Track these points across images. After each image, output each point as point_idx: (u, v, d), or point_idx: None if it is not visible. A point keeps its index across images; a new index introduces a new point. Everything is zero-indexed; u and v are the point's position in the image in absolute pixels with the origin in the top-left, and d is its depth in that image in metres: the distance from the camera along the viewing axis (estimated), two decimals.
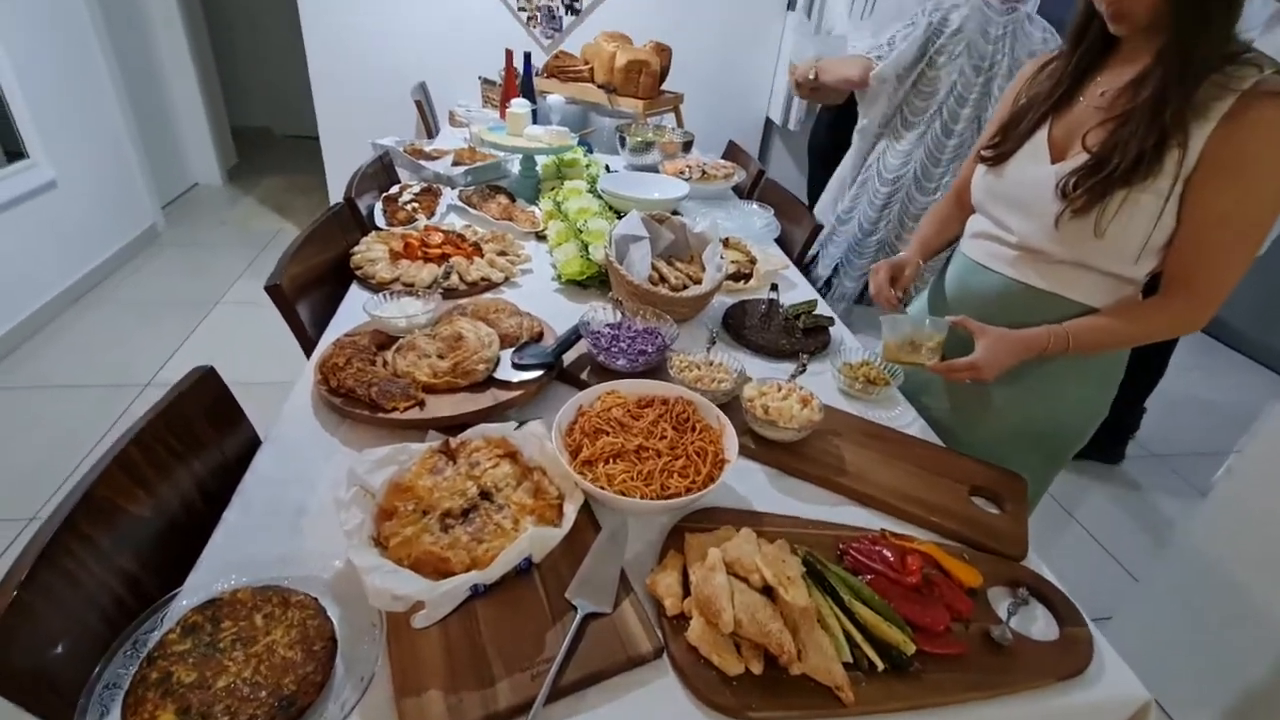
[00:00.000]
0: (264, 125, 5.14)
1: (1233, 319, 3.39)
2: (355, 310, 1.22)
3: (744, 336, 1.30)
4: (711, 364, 1.09)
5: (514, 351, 1.06)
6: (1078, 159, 0.95)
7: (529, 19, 3.00)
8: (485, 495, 0.81)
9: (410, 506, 0.77)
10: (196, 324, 2.69)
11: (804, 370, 1.06)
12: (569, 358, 1.13)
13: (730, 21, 3.11)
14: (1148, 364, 2.28)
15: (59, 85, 2.70)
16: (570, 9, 2.99)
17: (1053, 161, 1.00)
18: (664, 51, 2.54)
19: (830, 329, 1.35)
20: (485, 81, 2.88)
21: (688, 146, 2.32)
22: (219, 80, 4.24)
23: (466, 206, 1.75)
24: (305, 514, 0.80)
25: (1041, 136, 1.02)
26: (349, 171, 1.85)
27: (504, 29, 3.00)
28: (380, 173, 1.89)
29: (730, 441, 0.88)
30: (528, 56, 2.38)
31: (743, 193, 2.23)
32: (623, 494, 0.79)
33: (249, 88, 4.96)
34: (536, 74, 2.63)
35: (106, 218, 2.99)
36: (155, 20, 3.56)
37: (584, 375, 1.11)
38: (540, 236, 1.68)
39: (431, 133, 2.66)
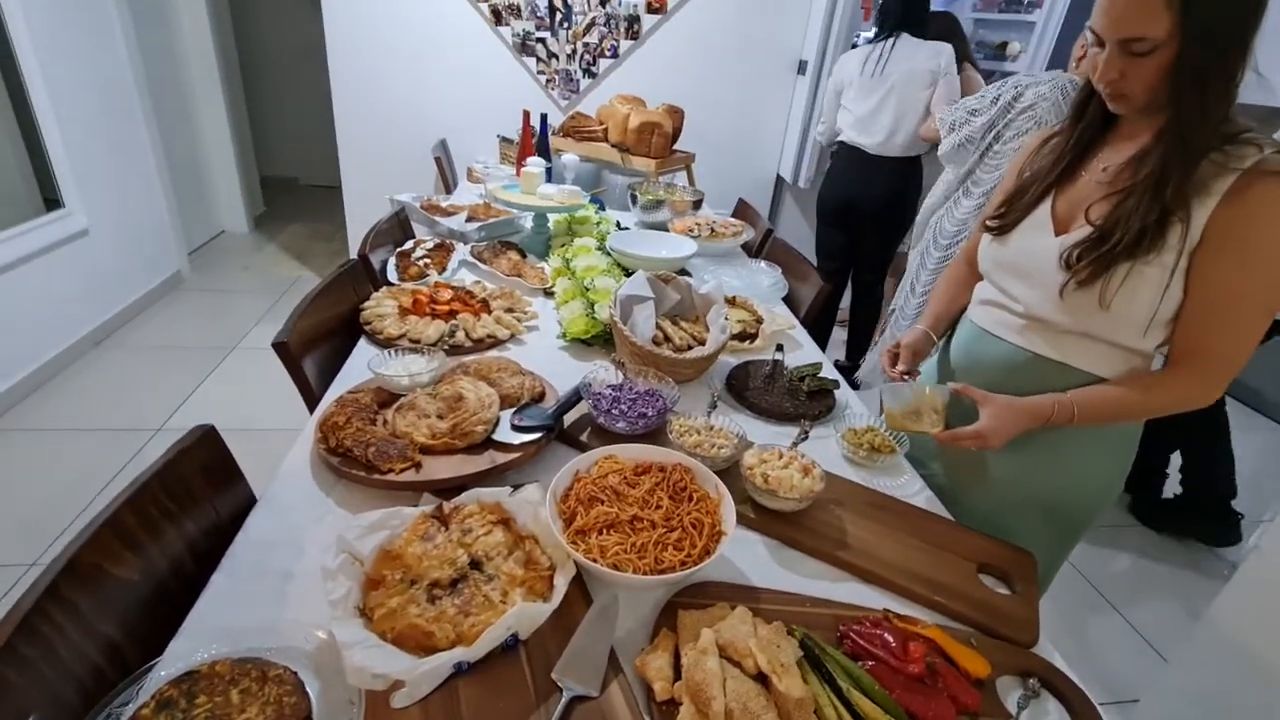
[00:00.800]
0: (291, 175, 5.33)
1: (1253, 379, 3.32)
2: (362, 365, 1.23)
3: (746, 399, 1.29)
4: (712, 429, 1.08)
5: (514, 413, 1.06)
6: (1081, 231, 0.96)
7: (548, 81, 3.12)
8: (475, 565, 0.79)
9: (398, 576, 0.76)
10: (212, 369, 2.73)
11: (806, 437, 1.04)
12: (570, 418, 1.13)
13: (741, 84, 3.21)
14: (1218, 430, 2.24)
15: (99, 137, 2.83)
16: (587, 72, 3.11)
17: (1056, 234, 1.00)
18: (676, 113, 2.62)
19: (835, 392, 1.34)
20: (503, 140, 2.98)
21: (698, 204, 2.36)
22: (250, 132, 4.43)
23: (478, 262, 1.79)
24: (292, 579, 0.79)
25: (1045, 209, 1.03)
26: (369, 221, 1.92)
27: (523, 90, 3.12)
28: (396, 228, 1.94)
29: (728, 513, 0.86)
30: (544, 118, 2.47)
31: (751, 250, 2.26)
32: (615, 567, 0.77)
33: (278, 139, 5.18)
34: (553, 133, 2.72)
35: (134, 264, 3.09)
36: (194, 75, 3.75)
37: (584, 437, 1.11)
38: (548, 293, 1.70)
39: (450, 188, 2.74)
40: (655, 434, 1.11)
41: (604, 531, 0.82)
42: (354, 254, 1.76)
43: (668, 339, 1.39)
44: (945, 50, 2.45)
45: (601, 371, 1.21)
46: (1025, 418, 0.97)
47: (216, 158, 3.99)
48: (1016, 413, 0.97)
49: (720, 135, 3.26)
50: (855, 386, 3.10)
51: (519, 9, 2.95)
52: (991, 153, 1.97)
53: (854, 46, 2.58)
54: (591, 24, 3.01)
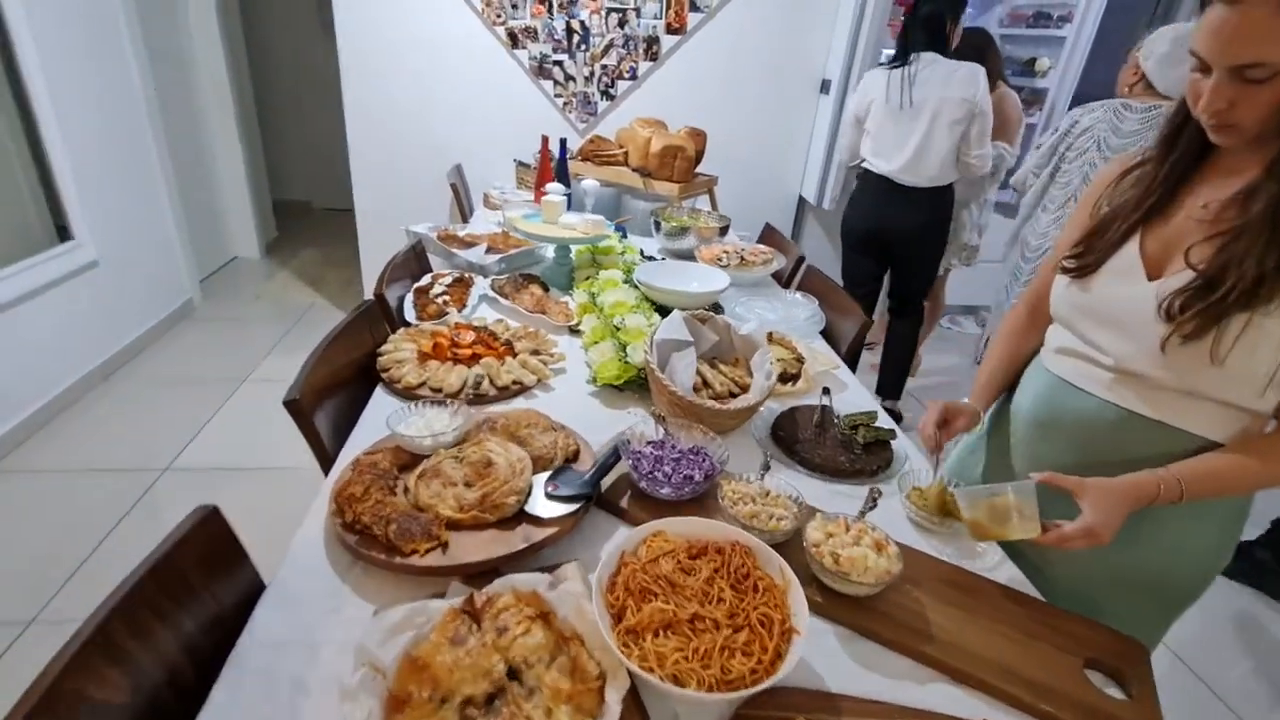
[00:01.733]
0: (304, 199, 5.31)
1: None
2: (379, 418, 1.13)
3: (797, 452, 1.18)
4: (767, 495, 0.98)
5: (548, 479, 0.96)
6: (1181, 277, 0.85)
7: (565, 104, 3.05)
8: (514, 674, 0.69)
9: (426, 693, 0.65)
10: (223, 401, 2.65)
11: (875, 505, 0.94)
12: (608, 477, 1.03)
13: (763, 104, 3.13)
14: None
15: (108, 167, 2.78)
16: (606, 95, 3.04)
17: (1150, 278, 0.89)
18: (699, 136, 2.54)
19: (893, 442, 1.23)
20: (520, 164, 2.91)
21: (724, 230, 2.27)
22: (264, 157, 4.41)
23: (499, 297, 1.70)
24: (305, 693, 0.69)
25: (1132, 249, 0.92)
26: (383, 247, 1.88)
27: (540, 113, 3.05)
28: (412, 260, 1.85)
29: (798, 605, 0.75)
30: (563, 142, 2.40)
31: (783, 279, 2.16)
32: (676, 680, 0.67)
33: (291, 162, 5.16)
34: (571, 157, 2.64)
35: (144, 294, 3.03)
36: (207, 100, 3.73)
37: (624, 502, 1.00)
38: (574, 330, 1.61)
39: (465, 215, 2.67)
40: (703, 497, 1.01)
41: (660, 633, 0.71)
42: (367, 282, 1.70)
43: (706, 384, 1.29)
44: (980, 77, 2.29)
45: (639, 423, 1.11)
46: (1129, 500, 0.86)
47: (229, 183, 3.95)
48: (1120, 498, 0.86)
49: (741, 157, 3.18)
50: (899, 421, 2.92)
51: (536, 32, 2.89)
52: (1060, 172, 2.18)
53: (892, 65, 2.42)
54: (610, 46, 2.95)
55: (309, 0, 4.52)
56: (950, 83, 2.30)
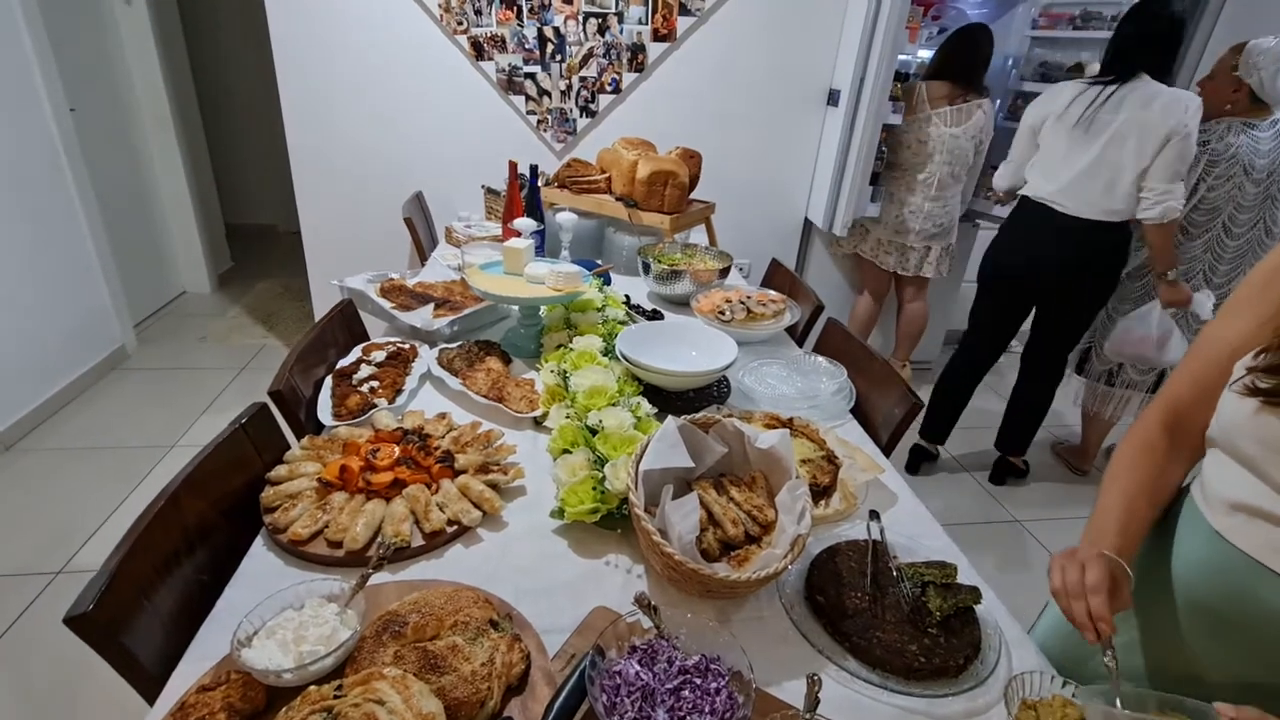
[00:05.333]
0: (268, 222, 4.93)
1: None
2: (254, 588, 0.78)
3: (847, 635, 0.83)
4: None
5: None
6: None
7: (539, 122, 2.70)
8: None
9: None
10: (142, 477, 2.27)
11: None
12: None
13: (764, 119, 2.79)
14: None
15: (6, 202, 2.39)
16: (585, 111, 2.69)
17: None
18: (693, 158, 2.19)
19: (978, 610, 0.88)
20: (489, 191, 2.56)
21: (725, 272, 1.92)
22: (214, 178, 4.02)
23: (446, 374, 1.34)
24: None
25: None
26: (338, 278, 1.61)
27: (511, 133, 2.70)
28: (342, 328, 1.49)
29: None
30: (534, 169, 2.04)
31: (795, 331, 1.81)
32: None
33: (250, 184, 4.78)
34: (546, 184, 2.30)
35: (58, 349, 2.60)
36: (145, 124, 3.35)
37: None
38: (539, 422, 1.25)
39: (424, 255, 2.31)
40: None
41: None
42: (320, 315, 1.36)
43: (714, 522, 0.93)
44: (1189, 106, 1.88)
45: (615, 580, 0.75)
46: None
47: (172, 210, 3.57)
48: None
49: (740, 178, 2.84)
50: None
51: (503, 41, 2.54)
52: (1205, 201, 2.11)
53: (1098, 81, 2.03)
54: (589, 55, 2.60)
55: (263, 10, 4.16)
56: (1152, 104, 1.90)
